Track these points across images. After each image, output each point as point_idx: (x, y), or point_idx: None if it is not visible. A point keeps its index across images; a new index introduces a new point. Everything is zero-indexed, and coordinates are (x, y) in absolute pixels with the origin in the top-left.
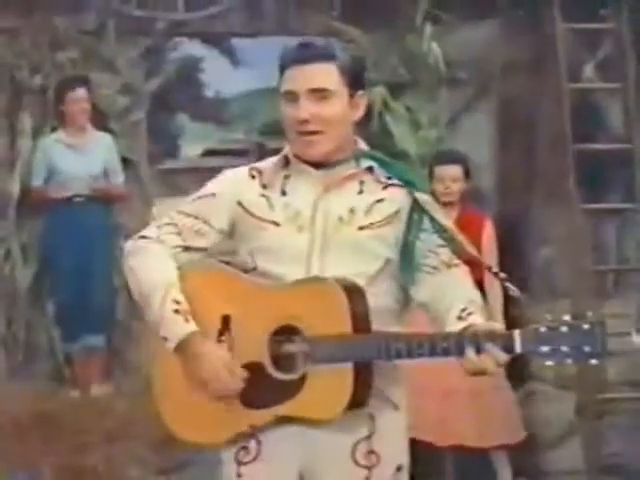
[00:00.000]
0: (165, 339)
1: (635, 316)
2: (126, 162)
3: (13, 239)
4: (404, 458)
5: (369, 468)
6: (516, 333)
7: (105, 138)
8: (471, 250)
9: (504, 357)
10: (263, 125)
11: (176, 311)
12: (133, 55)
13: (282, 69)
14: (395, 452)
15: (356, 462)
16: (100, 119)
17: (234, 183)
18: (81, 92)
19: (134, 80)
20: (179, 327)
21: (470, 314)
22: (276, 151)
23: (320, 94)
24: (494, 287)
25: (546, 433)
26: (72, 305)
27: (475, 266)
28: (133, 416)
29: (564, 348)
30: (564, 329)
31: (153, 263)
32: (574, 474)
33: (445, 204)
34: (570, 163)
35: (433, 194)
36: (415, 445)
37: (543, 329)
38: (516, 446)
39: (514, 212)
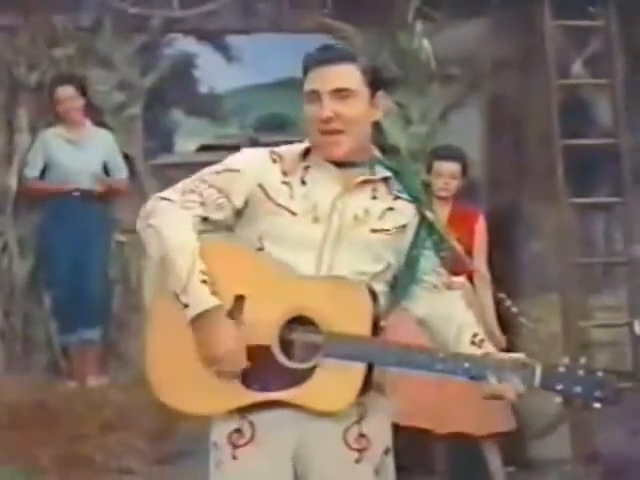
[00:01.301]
0: (186, 305)
1: (628, 308)
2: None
3: (11, 232)
4: (390, 441)
5: (360, 451)
6: (537, 368)
7: (105, 134)
8: (470, 266)
9: (522, 389)
10: (257, 120)
11: (204, 281)
12: (129, 52)
13: (305, 70)
14: (383, 435)
15: (348, 445)
16: (96, 115)
17: (258, 164)
18: (68, 90)
19: (130, 76)
20: (205, 298)
21: (482, 341)
22: (270, 146)
23: (342, 93)
24: (485, 285)
25: (535, 423)
26: (68, 298)
27: (464, 268)
28: (128, 407)
29: (577, 389)
30: (580, 373)
31: (179, 226)
32: (562, 463)
33: (440, 198)
34: (558, 158)
35: (429, 187)
36: (410, 434)
37: (562, 369)
38: (508, 434)
39: (503, 207)
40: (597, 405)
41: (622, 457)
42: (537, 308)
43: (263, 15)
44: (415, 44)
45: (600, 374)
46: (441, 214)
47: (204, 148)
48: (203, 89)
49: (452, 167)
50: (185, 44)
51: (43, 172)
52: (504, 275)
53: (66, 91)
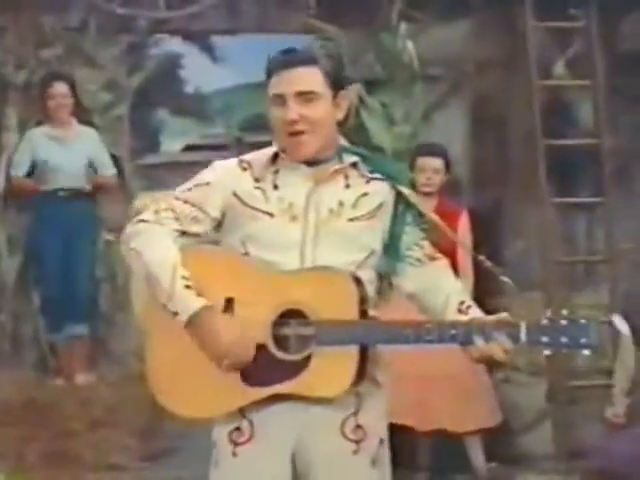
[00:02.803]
0: (176, 314)
1: (610, 306)
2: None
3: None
4: (385, 432)
5: (357, 442)
6: (522, 324)
7: (90, 133)
8: (455, 238)
9: (510, 345)
10: (242, 120)
11: (187, 287)
12: (116, 52)
13: (269, 74)
14: (378, 426)
15: (345, 436)
16: (84, 114)
17: (228, 174)
18: (61, 88)
19: (117, 76)
20: (191, 301)
21: (469, 307)
22: (255, 145)
23: (307, 96)
24: (467, 274)
25: (518, 419)
26: (56, 296)
27: (449, 254)
28: (116, 404)
29: (563, 339)
30: (564, 322)
31: (157, 243)
32: (545, 458)
33: (424, 195)
34: (541, 158)
35: (414, 184)
36: (394, 430)
37: (545, 321)
38: (491, 430)
39: (487, 206)
40: (585, 352)
41: (604, 453)
42: (520, 306)
43: (248, 16)
44: (399, 45)
45: (583, 321)
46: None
47: (190, 148)
48: (189, 89)
49: (434, 162)
50: (171, 45)
51: (31, 171)
52: (487, 273)
53: (60, 88)
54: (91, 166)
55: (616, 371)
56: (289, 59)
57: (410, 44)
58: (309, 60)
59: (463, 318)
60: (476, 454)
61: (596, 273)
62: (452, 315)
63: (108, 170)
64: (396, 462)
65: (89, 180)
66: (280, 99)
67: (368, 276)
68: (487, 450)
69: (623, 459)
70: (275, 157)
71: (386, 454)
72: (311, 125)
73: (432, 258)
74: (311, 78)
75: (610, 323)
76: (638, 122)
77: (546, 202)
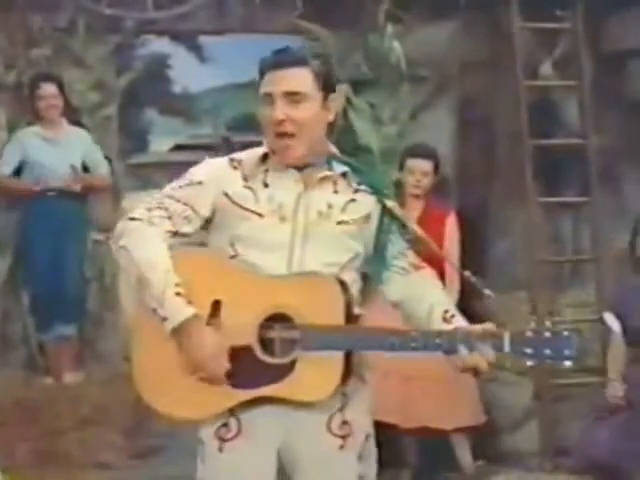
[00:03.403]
0: (164, 319)
1: (597, 304)
2: None
3: None
4: (370, 427)
5: (343, 437)
6: (506, 335)
7: (82, 133)
8: (437, 250)
9: (493, 356)
10: (230, 120)
11: (178, 294)
12: (104, 52)
13: (261, 73)
14: (364, 422)
15: (331, 432)
16: (73, 114)
17: (219, 173)
18: (49, 89)
19: (105, 76)
20: (181, 309)
21: (453, 316)
22: (243, 145)
23: (294, 97)
24: (453, 283)
25: (504, 417)
26: (45, 296)
27: (435, 263)
28: (104, 403)
29: (546, 351)
30: (547, 334)
31: (149, 244)
32: (531, 456)
33: (413, 196)
34: (527, 158)
35: (403, 185)
36: (379, 427)
37: (529, 333)
38: (477, 429)
39: (473, 206)
40: (567, 363)
41: (588, 445)
42: (506, 306)
43: (236, 16)
44: (386, 46)
45: (566, 333)
46: (413, 212)
47: (178, 147)
48: (177, 89)
49: (424, 165)
50: (159, 45)
51: (19, 170)
52: (473, 273)
53: (49, 89)
54: (84, 167)
55: (608, 365)
56: (280, 59)
57: (397, 45)
58: (300, 61)
59: (447, 327)
60: (463, 452)
61: (582, 272)
62: (436, 324)
63: (101, 169)
64: (383, 460)
65: (79, 180)
66: (269, 98)
67: (351, 277)
68: (474, 448)
69: (607, 449)
70: (265, 157)
71: (372, 449)
72: (298, 127)
73: (417, 267)
74: (300, 79)
75: (601, 320)
76: (624, 122)
77: (532, 202)
